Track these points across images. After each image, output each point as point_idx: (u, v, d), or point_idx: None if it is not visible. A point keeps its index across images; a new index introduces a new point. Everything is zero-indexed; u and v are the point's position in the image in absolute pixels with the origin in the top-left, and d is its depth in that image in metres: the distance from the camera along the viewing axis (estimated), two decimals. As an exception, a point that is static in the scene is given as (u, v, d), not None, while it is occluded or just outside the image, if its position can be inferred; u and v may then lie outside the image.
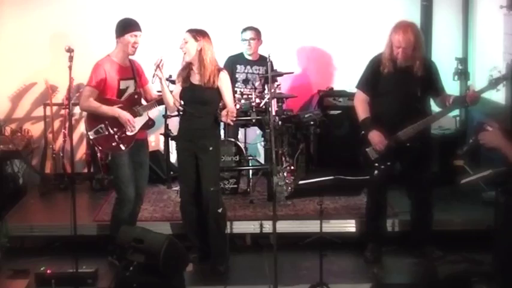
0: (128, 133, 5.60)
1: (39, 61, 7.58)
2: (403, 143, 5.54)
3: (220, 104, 5.62)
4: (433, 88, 5.64)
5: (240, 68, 7.25)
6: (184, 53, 5.49)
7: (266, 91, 6.67)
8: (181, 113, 5.75)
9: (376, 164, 5.57)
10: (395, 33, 5.48)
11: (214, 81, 5.45)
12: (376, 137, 5.55)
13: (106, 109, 5.54)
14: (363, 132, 5.65)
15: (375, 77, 5.62)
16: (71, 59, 5.12)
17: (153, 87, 5.81)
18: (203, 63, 5.43)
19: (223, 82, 5.52)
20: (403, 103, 5.54)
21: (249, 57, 7.26)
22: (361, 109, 5.68)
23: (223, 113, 5.40)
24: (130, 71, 5.68)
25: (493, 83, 5.41)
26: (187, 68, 5.55)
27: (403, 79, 5.52)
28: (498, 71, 5.49)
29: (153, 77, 5.47)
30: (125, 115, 5.55)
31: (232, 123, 5.57)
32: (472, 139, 4.62)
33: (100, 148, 5.93)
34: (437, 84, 5.69)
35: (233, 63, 7.20)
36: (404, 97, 5.54)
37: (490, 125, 4.39)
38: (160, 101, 5.69)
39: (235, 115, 5.46)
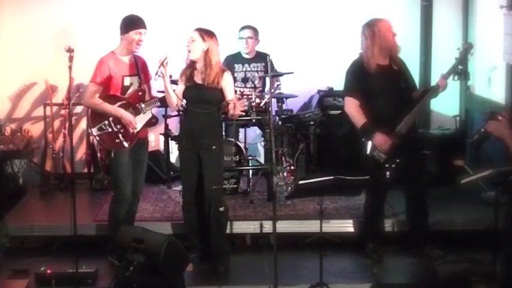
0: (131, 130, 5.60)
1: (39, 61, 7.58)
2: (404, 136, 5.53)
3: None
4: (409, 82, 5.71)
5: (238, 67, 7.25)
6: (189, 51, 5.48)
7: (266, 90, 6.66)
8: (181, 112, 5.74)
9: (387, 165, 5.51)
10: (377, 24, 5.53)
11: (218, 82, 5.45)
12: (379, 139, 5.50)
13: (109, 108, 5.52)
14: (363, 139, 5.57)
15: (363, 80, 5.58)
16: (71, 59, 5.11)
17: (154, 86, 5.80)
18: (209, 64, 5.42)
19: (227, 83, 5.52)
20: (394, 97, 5.53)
21: (247, 56, 7.26)
22: (357, 115, 5.59)
23: (230, 106, 5.40)
24: (135, 67, 5.65)
25: (456, 64, 5.65)
26: (191, 66, 5.54)
27: (387, 74, 5.54)
28: (457, 48, 5.68)
29: (156, 74, 5.45)
30: (127, 117, 5.53)
31: (237, 115, 5.52)
32: (483, 128, 4.62)
33: (103, 145, 5.91)
34: (411, 78, 5.79)
35: (231, 62, 7.19)
36: (393, 92, 5.53)
37: (502, 115, 4.40)
38: (162, 99, 5.67)
39: (245, 104, 5.44)
